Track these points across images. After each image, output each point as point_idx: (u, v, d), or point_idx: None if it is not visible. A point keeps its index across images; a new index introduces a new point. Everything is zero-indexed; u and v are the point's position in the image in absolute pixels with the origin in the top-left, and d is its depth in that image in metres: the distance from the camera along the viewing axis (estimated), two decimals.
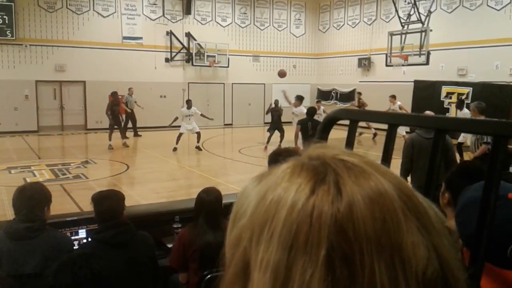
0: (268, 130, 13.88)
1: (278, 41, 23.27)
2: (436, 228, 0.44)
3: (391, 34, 16.12)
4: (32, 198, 2.83)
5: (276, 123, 13.68)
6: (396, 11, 16.12)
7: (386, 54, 16.46)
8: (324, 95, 23.37)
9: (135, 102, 17.03)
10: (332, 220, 0.40)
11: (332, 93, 22.85)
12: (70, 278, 2.54)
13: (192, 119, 13.77)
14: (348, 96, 21.85)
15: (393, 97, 15.31)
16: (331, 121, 1.21)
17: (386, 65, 16.96)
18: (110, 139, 14.07)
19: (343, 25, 22.64)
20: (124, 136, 14.81)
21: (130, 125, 16.82)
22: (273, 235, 0.42)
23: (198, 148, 13.81)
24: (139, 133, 17.20)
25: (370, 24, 21.05)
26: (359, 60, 21.21)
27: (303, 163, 0.46)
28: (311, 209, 0.41)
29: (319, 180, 0.43)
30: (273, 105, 14.38)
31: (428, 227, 0.43)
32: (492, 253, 1.10)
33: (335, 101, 22.43)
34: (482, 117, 7.58)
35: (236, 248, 0.46)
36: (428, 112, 6.89)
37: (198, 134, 13.80)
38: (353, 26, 22.04)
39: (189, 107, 13.87)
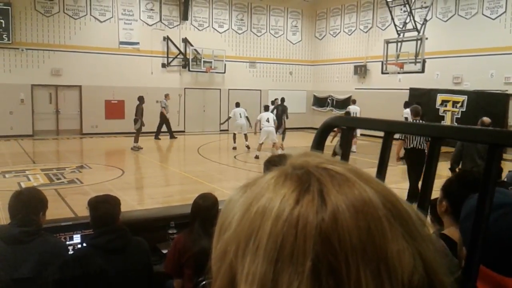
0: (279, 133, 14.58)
1: (275, 48, 23.35)
2: (421, 234, 0.44)
3: (387, 42, 16.21)
4: (28, 203, 2.82)
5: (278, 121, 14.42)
6: (392, 19, 16.22)
7: (382, 62, 16.54)
8: (320, 102, 23.45)
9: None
10: (317, 231, 0.40)
11: (328, 100, 22.92)
12: (70, 280, 2.54)
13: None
14: (344, 103, 21.91)
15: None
16: (328, 128, 1.22)
17: (382, 73, 17.03)
18: (137, 141, 14.70)
19: (339, 33, 22.75)
20: (136, 139, 15.02)
21: (164, 128, 17.58)
22: (259, 247, 0.42)
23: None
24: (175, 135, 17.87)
25: (366, 32, 21.17)
26: (355, 67, 21.30)
27: (287, 173, 0.46)
28: (296, 220, 0.41)
29: (303, 190, 0.43)
30: (279, 102, 15.22)
31: (413, 234, 0.43)
32: (495, 260, 1.11)
33: (331, 108, 22.50)
34: (417, 119, 8.34)
35: (222, 261, 0.45)
36: (485, 119, 7.37)
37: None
38: (349, 33, 22.15)
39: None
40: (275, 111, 15.14)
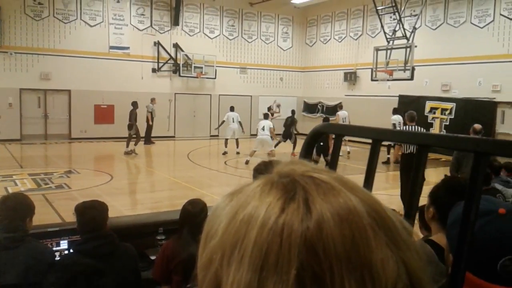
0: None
1: (266, 54, 23.43)
2: (405, 243, 0.44)
3: (377, 49, 16.34)
4: (14, 209, 2.79)
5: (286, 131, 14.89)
6: (382, 26, 16.36)
7: (372, 69, 16.66)
8: (310, 108, 23.54)
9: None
10: (302, 239, 0.40)
11: (318, 106, 23.02)
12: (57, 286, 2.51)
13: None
14: (334, 110, 22.01)
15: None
16: (317, 135, 1.22)
17: (372, 80, 17.15)
18: (128, 146, 14.67)
19: (329, 40, 22.90)
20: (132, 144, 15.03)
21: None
22: (244, 256, 0.41)
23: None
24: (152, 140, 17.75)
25: (356, 39, 21.33)
26: (345, 74, 21.43)
27: (273, 181, 0.46)
28: (281, 228, 0.41)
29: (288, 198, 0.43)
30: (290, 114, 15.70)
31: (397, 242, 0.43)
32: (481, 267, 1.11)
33: (321, 114, 22.58)
34: (413, 124, 8.40)
35: (208, 269, 0.45)
36: (476, 126, 7.51)
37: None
38: (339, 40, 22.30)
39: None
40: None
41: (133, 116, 14.84)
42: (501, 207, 1.17)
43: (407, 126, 8.52)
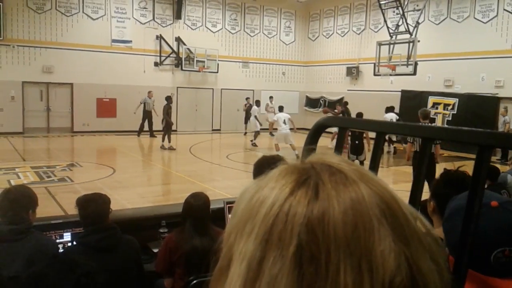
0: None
1: (268, 48, 23.37)
2: (416, 239, 0.45)
3: (380, 44, 16.28)
4: (17, 201, 2.80)
5: None
6: (385, 21, 16.30)
7: (374, 64, 16.62)
8: (312, 102, 23.51)
9: (153, 105, 17.75)
10: (304, 220, 0.43)
11: (321, 101, 22.98)
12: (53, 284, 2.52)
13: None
14: (336, 104, 21.98)
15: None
16: (320, 128, 1.22)
17: (374, 75, 17.11)
18: (164, 140, 14.63)
19: (332, 34, 22.82)
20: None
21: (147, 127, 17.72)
22: (253, 230, 0.45)
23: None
24: (155, 134, 17.59)
25: (359, 34, 21.25)
26: (348, 68, 21.37)
27: (295, 166, 0.49)
28: (287, 208, 0.44)
29: (300, 182, 0.46)
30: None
31: (405, 237, 0.44)
32: (475, 260, 1.12)
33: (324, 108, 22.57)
34: (426, 122, 8.40)
35: (225, 244, 0.49)
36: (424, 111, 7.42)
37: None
38: (342, 35, 22.23)
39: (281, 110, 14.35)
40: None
41: (164, 111, 14.80)
42: (493, 200, 1.18)
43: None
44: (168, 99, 14.99)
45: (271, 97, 20.12)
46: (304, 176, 0.46)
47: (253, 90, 22.61)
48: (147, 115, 17.63)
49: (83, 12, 18.78)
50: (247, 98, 20.13)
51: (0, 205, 2.81)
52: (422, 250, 0.45)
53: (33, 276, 1.77)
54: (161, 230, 3.83)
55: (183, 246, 3.12)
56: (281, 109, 14.30)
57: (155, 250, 3.60)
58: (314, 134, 1.21)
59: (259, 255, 0.44)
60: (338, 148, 1.16)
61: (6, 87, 17.47)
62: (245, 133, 19.74)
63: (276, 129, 14.76)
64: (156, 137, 17.23)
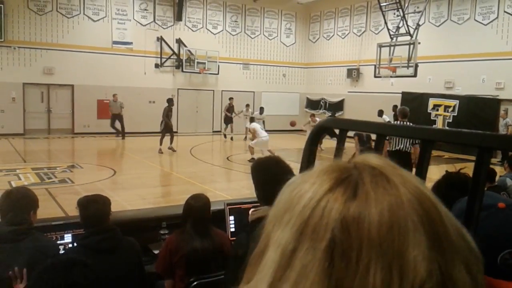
0: None
1: (268, 50, 23.40)
2: (454, 251, 0.45)
3: (380, 46, 16.29)
4: (18, 202, 2.81)
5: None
6: (385, 23, 16.31)
7: (375, 66, 16.62)
8: (313, 104, 23.52)
9: (121, 107, 17.65)
10: (339, 217, 0.44)
11: (321, 103, 22.99)
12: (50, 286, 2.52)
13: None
14: (336, 106, 22.01)
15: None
16: (321, 130, 1.23)
17: (375, 76, 17.12)
18: (161, 144, 14.27)
19: (333, 36, 22.84)
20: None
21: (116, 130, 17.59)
22: (290, 220, 0.47)
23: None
24: (124, 137, 17.56)
25: (359, 36, 21.27)
26: (348, 70, 21.39)
27: (338, 164, 0.50)
28: (325, 204, 0.45)
29: (340, 180, 0.47)
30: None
31: (441, 245, 0.44)
32: None
33: (324, 110, 22.58)
34: (405, 120, 8.26)
35: (264, 231, 0.51)
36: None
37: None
38: (342, 37, 22.25)
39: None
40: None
41: (164, 113, 14.48)
42: (500, 201, 1.18)
43: (399, 122, 8.41)
44: (170, 101, 14.77)
45: (247, 105, 19.48)
46: (345, 175, 0.48)
47: (253, 92, 22.64)
48: (115, 117, 17.51)
49: (84, 13, 18.81)
50: (230, 99, 19.32)
51: (1, 206, 2.82)
52: (458, 261, 0.45)
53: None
54: (162, 232, 3.84)
55: (183, 247, 3.12)
56: (261, 110, 14.40)
57: (156, 252, 3.60)
58: (315, 136, 1.21)
59: (293, 244, 0.45)
60: (338, 150, 1.16)
61: (7, 88, 17.50)
62: (225, 135, 19.18)
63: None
64: (123, 138, 17.28)
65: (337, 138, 1.14)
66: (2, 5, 17.13)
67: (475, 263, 0.47)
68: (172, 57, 20.56)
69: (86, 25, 18.84)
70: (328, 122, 1.26)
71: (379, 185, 0.46)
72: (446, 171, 2.22)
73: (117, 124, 17.67)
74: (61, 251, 3.11)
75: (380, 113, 15.50)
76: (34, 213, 2.91)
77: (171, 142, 14.37)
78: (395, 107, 15.86)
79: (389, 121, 14.59)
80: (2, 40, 17.24)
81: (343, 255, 0.43)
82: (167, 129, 14.35)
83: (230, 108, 18.89)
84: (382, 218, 0.43)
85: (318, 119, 15.10)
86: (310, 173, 0.51)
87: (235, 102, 19.28)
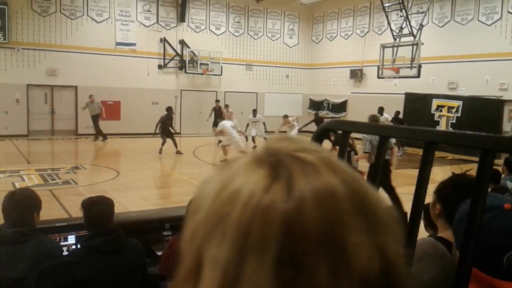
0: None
1: (271, 51, 23.40)
2: (385, 227, 0.45)
3: (383, 47, 16.27)
4: (21, 204, 2.81)
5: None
6: (389, 23, 16.29)
7: (378, 66, 16.60)
8: (316, 105, 23.50)
9: (100, 108, 17.30)
10: (281, 220, 0.41)
11: (324, 104, 22.97)
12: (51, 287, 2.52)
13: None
14: (340, 107, 21.99)
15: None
16: (324, 131, 1.23)
17: (378, 77, 17.10)
18: (163, 145, 14.12)
19: (336, 37, 22.83)
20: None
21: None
22: (226, 233, 0.42)
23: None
24: (96, 138, 17.36)
25: (362, 36, 21.25)
26: (351, 71, 21.37)
27: (260, 159, 0.46)
28: (263, 209, 0.42)
29: (272, 178, 0.43)
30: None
31: (376, 227, 0.43)
32: (487, 263, 1.12)
33: (327, 111, 22.55)
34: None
35: (191, 243, 0.46)
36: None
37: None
38: (345, 37, 22.23)
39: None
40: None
41: (160, 120, 14.19)
42: (506, 203, 1.17)
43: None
44: (169, 110, 14.40)
45: (226, 105, 18.71)
46: (276, 171, 0.44)
47: (256, 93, 22.64)
48: (94, 118, 17.09)
49: (87, 15, 18.87)
50: (217, 101, 18.78)
51: (5, 208, 2.83)
52: (390, 236, 0.45)
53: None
54: (165, 233, 3.84)
55: None
56: (254, 113, 15.45)
57: (159, 253, 3.60)
58: (318, 137, 1.21)
59: (236, 261, 0.41)
60: (341, 152, 1.16)
61: (11, 90, 17.56)
62: (220, 141, 18.74)
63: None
64: (101, 140, 17.05)
65: (332, 142, 1.14)
66: (6, 7, 17.20)
67: (398, 237, 0.46)
68: (175, 58, 20.60)
69: (89, 27, 18.90)
70: (332, 124, 1.26)
71: (309, 175, 0.43)
72: (453, 173, 2.21)
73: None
74: (65, 253, 3.12)
75: (381, 110, 15.44)
76: (38, 215, 2.91)
77: (176, 146, 14.30)
78: (397, 113, 15.90)
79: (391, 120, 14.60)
80: (6, 41, 17.30)
81: (291, 261, 0.40)
82: (165, 134, 14.17)
83: (217, 111, 18.02)
84: (320, 212, 0.41)
85: (291, 119, 15.28)
86: (232, 171, 0.46)
87: (238, 103, 19.20)
